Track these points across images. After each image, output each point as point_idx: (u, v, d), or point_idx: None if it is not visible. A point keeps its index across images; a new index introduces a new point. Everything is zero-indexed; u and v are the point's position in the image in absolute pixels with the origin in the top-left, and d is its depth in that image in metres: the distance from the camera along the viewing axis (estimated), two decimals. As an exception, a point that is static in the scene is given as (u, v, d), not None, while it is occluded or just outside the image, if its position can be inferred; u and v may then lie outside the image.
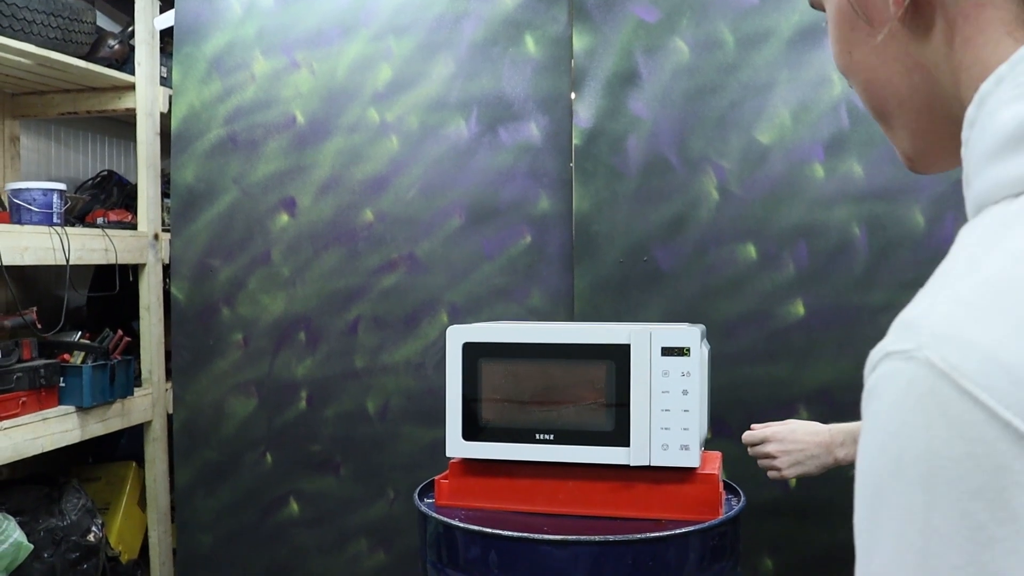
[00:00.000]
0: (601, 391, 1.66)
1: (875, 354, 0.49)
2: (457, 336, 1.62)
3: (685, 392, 1.43)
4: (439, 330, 2.40)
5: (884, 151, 2.20)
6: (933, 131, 0.60)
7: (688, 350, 1.44)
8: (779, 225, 2.24)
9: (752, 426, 1.61)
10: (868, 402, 0.48)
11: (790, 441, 1.47)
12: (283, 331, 2.48)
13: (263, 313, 2.49)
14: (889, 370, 0.47)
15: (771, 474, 1.53)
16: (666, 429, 1.42)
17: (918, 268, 2.18)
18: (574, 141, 2.34)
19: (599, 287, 2.32)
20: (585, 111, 2.33)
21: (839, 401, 2.19)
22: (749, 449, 1.57)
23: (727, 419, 2.13)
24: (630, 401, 1.47)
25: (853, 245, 2.21)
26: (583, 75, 2.33)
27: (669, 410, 1.42)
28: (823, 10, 0.65)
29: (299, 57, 2.47)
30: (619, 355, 1.52)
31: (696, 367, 1.44)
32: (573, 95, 2.34)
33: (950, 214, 2.17)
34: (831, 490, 2.20)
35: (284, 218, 2.48)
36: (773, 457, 1.49)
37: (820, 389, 2.19)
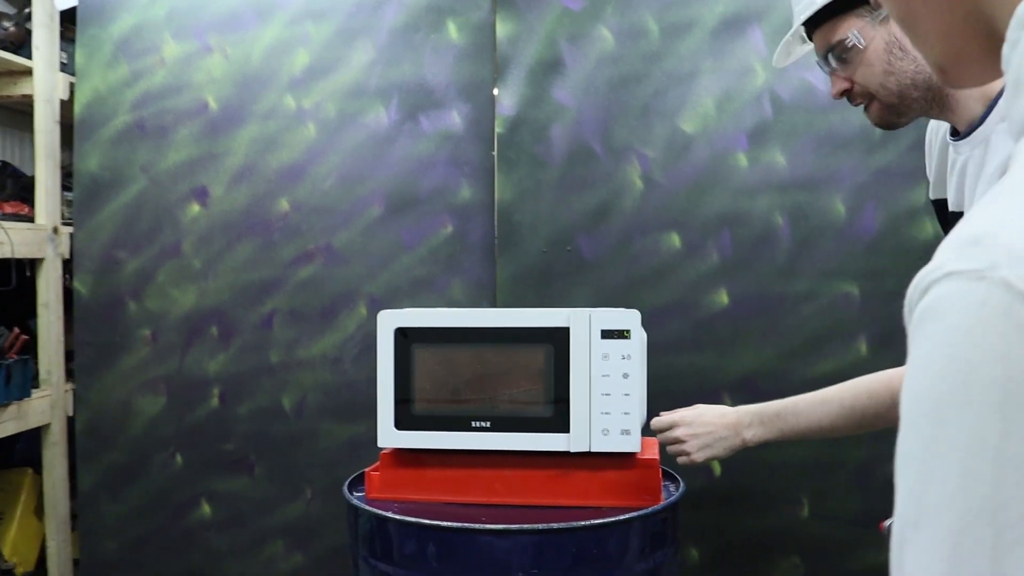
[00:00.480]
0: (539, 376, 1.61)
1: (930, 274, 0.45)
2: (389, 321, 1.54)
3: (626, 375, 1.39)
4: (357, 323, 2.33)
5: (806, 141, 2.20)
6: (964, 32, 0.56)
7: (628, 332, 1.40)
8: (703, 214, 2.22)
9: (660, 413, 1.58)
10: (923, 323, 0.44)
11: (698, 424, 1.45)
12: (194, 325, 2.37)
13: (173, 307, 2.38)
14: (953, 290, 0.43)
15: (681, 459, 1.51)
16: (606, 414, 1.38)
17: (840, 257, 2.19)
18: (497, 129, 2.30)
19: (522, 277, 2.28)
20: (508, 99, 2.29)
21: (763, 389, 2.17)
22: (659, 435, 1.54)
23: (653, 409, 2.09)
24: (569, 386, 1.42)
25: (776, 234, 2.21)
26: (506, 63, 2.29)
27: (609, 394, 1.38)
28: None
29: (212, 41, 2.38)
30: (558, 339, 1.47)
31: (636, 350, 1.40)
32: (496, 83, 2.30)
33: (870, 203, 2.19)
34: (754, 478, 2.19)
35: (195, 208, 2.38)
36: (682, 441, 1.47)
37: (744, 377, 2.18)
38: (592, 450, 1.40)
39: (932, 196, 1.55)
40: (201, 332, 2.37)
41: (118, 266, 2.40)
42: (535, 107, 2.28)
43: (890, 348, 2.16)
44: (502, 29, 2.29)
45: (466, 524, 1.31)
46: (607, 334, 1.40)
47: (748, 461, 2.16)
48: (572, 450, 1.41)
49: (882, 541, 2.07)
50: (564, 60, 2.27)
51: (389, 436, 1.53)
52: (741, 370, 2.19)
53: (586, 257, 2.26)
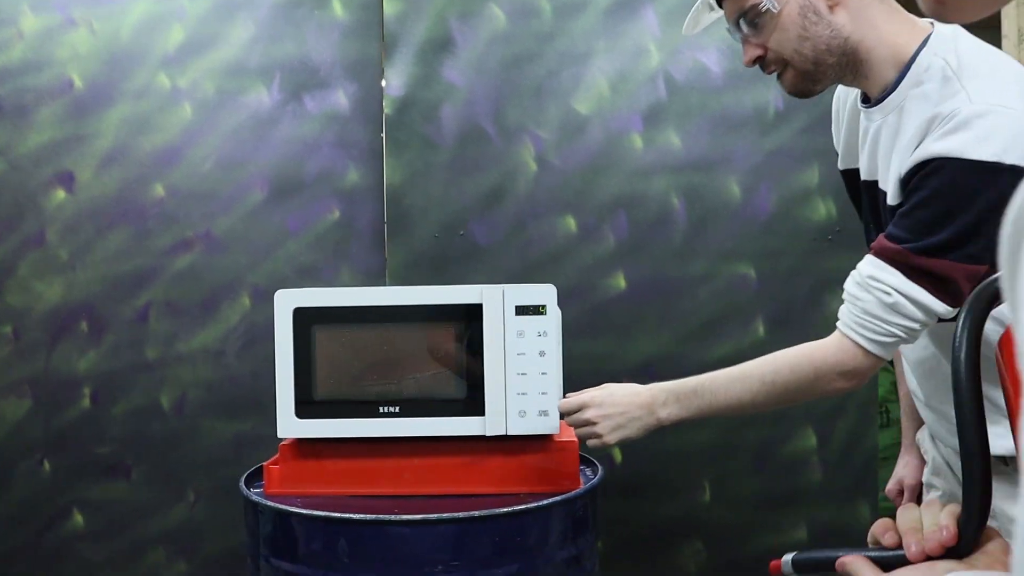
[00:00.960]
0: (451, 356, 1.52)
1: None
2: (286, 301, 1.42)
3: (542, 353, 1.31)
4: (240, 314, 2.20)
5: (701, 122, 2.18)
6: None
7: (544, 308, 1.33)
8: (598, 197, 2.18)
9: (567, 395, 1.51)
10: None
11: (609, 405, 1.37)
12: (61, 321, 2.20)
13: (37, 302, 2.20)
14: None
15: (591, 442, 1.43)
16: (523, 395, 1.30)
17: (735, 239, 2.17)
18: (385, 110, 2.20)
19: (413, 263, 2.19)
20: (396, 78, 2.20)
21: (661, 373, 2.13)
22: (567, 419, 1.46)
23: (549, 397, 2.04)
24: (483, 365, 1.33)
25: (672, 216, 2.18)
26: (394, 41, 2.19)
27: (526, 374, 1.30)
28: None
29: (76, 14, 2.21)
30: (470, 316, 1.39)
31: (553, 326, 1.32)
32: (384, 62, 2.20)
33: (764, 184, 2.18)
34: (655, 465, 2.16)
35: (60, 194, 2.21)
36: (593, 424, 1.39)
37: (643, 363, 2.15)
38: (509, 433, 1.31)
39: (841, 166, 1.53)
40: (69, 328, 2.20)
41: (-26, 258, 2.21)
42: (425, 87, 2.19)
43: (786, 329, 2.16)
44: (389, 6, 2.19)
45: (380, 516, 1.22)
46: (522, 310, 1.32)
47: (649, 449, 2.13)
48: (488, 434, 1.32)
49: (778, 523, 2.05)
50: (454, 38, 2.19)
51: (289, 426, 1.42)
52: (639, 355, 2.15)
53: (479, 242, 2.19)
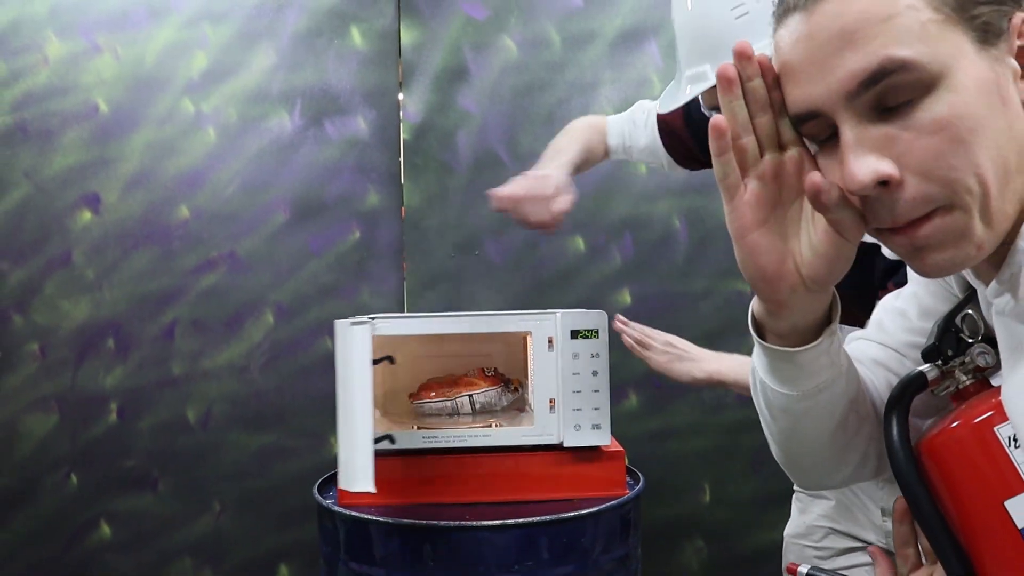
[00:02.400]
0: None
1: None
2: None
3: (595, 373, 1.44)
4: (264, 331, 2.29)
5: (698, 148, 2.33)
6: None
7: (597, 332, 1.46)
8: (607, 218, 2.32)
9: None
10: None
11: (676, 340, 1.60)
12: (88, 339, 2.27)
13: (63, 320, 2.27)
14: None
15: (641, 351, 1.60)
16: (577, 410, 1.42)
17: (732, 257, 2.32)
18: (403, 136, 2.32)
19: (430, 282, 2.31)
20: (414, 106, 2.31)
21: (665, 385, 2.29)
22: (630, 328, 1.62)
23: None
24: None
25: (674, 236, 2.33)
26: (411, 70, 2.31)
27: (580, 391, 1.43)
28: (885, 102, 0.63)
29: (100, 40, 2.28)
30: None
31: (604, 348, 1.46)
32: (401, 89, 2.32)
33: (757, 207, 2.33)
34: (659, 469, 2.31)
35: (87, 215, 2.28)
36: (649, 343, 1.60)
37: (648, 373, 2.28)
38: (564, 444, 1.44)
39: None
40: (96, 345, 2.27)
41: (0, 278, 2.26)
42: (441, 114, 2.31)
43: (779, 341, 2.32)
44: (406, 36, 2.31)
45: (465, 523, 1.31)
46: (576, 334, 1.45)
47: (654, 453, 2.28)
48: (543, 443, 1.44)
49: (773, 521, 2.20)
50: (469, 68, 2.32)
51: None
52: (644, 367, 2.29)
53: (494, 261, 2.31)
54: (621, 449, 1.49)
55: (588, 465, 1.45)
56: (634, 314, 2.30)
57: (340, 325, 1.22)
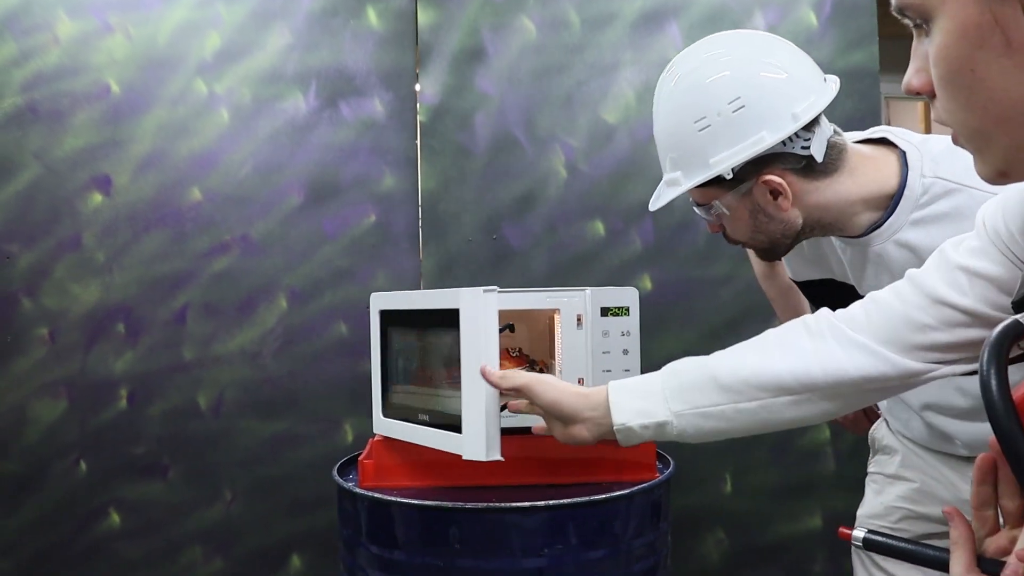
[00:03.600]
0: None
1: None
2: (376, 304, 1.49)
3: (626, 352, 1.40)
4: (277, 316, 2.25)
5: (720, 131, 2.29)
6: None
7: (628, 310, 1.41)
8: (625, 202, 2.28)
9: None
10: None
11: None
12: (98, 323, 2.23)
13: (73, 304, 2.23)
14: None
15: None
16: None
17: (754, 242, 2.28)
18: (419, 118, 2.28)
19: (447, 266, 2.26)
20: (431, 87, 2.27)
21: (688, 372, 2.25)
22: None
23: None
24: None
25: (695, 220, 2.28)
26: (428, 51, 2.27)
27: (610, 370, 1.38)
28: (914, 21, 0.63)
29: (112, 20, 2.24)
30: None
31: (635, 327, 1.41)
32: (418, 70, 2.28)
33: (780, 191, 2.29)
34: (680, 460, 2.26)
35: (97, 198, 2.24)
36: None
37: (668, 358, 2.23)
38: None
39: (797, 279, 1.52)
40: (106, 329, 2.23)
41: (9, 261, 2.22)
42: (458, 96, 2.27)
43: (801, 328, 2.28)
44: (423, 16, 2.27)
45: (493, 504, 1.27)
46: (607, 312, 1.40)
47: (674, 444, 2.23)
48: None
49: (795, 512, 2.16)
50: (486, 49, 2.27)
51: (380, 423, 1.48)
52: (664, 351, 2.23)
53: (512, 245, 2.27)
54: (651, 430, 1.44)
55: (618, 448, 1.40)
56: (655, 299, 2.27)
57: (470, 293, 1.20)
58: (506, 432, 1.39)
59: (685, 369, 1.12)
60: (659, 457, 1.51)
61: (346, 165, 2.27)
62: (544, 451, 1.40)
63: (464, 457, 1.18)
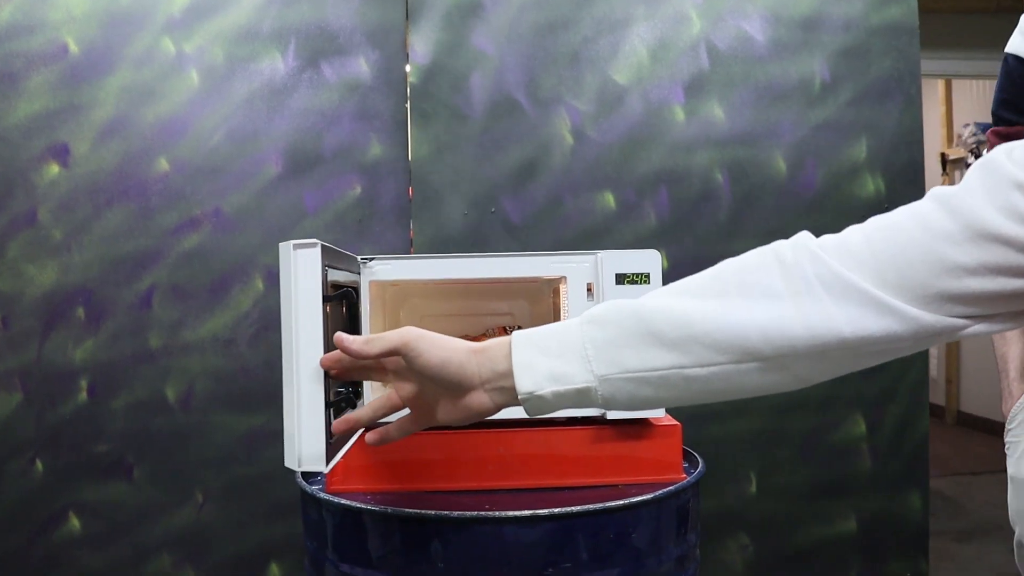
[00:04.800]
0: None
1: None
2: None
3: None
4: (253, 299, 2.04)
5: (745, 93, 2.07)
6: None
7: (648, 277, 1.18)
8: (638, 171, 2.05)
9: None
10: None
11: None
12: (55, 307, 2.02)
13: (28, 286, 2.01)
14: None
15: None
16: None
17: (781, 215, 2.06)
18: (409, 79, 2.06)
19: (441, 243, 2.04)
20: (422, 45, 2.05)
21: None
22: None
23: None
24: None
25: (716, 192, 2.06)
26: (419, 5, 2.05)
27: None
28: None
29: (69, -27, 2.02)
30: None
31: None
32: (407, 27, 2.05)
33: (810, 160, 2.07)
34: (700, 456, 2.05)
35: (54, 169, 2.02)
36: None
37: (688, 347, 2.02)
38: (609, 417, 1.17)
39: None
40: (64, 315, 2.02)
41: (-43, 239, 2.01)
42: (452, 54, 2.05)
43: (834, 311, 2.05)
44: (413, -33, 2.05)
45: (483, 513, 1.04)
46: (623, 279, 1.18)
47: (692, 439, 2.02)
48: (580, 416, 1.17)
49: (827, 514, 1.92)
50: (483, 2, 2.05)
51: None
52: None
53: (512, 219, 2.05)
54: (676, 423, 1.22)
55: (636, 443, 1.18)
56: (671, 280, 2.04)
57: (283, 249, 0.89)
58: (502, 424, 1.18)
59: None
60: (685, 454, 1.28)
61: (328, 132, 2.05)
62: (548, 447, 1.18)
63: (286, 464, 0.89)
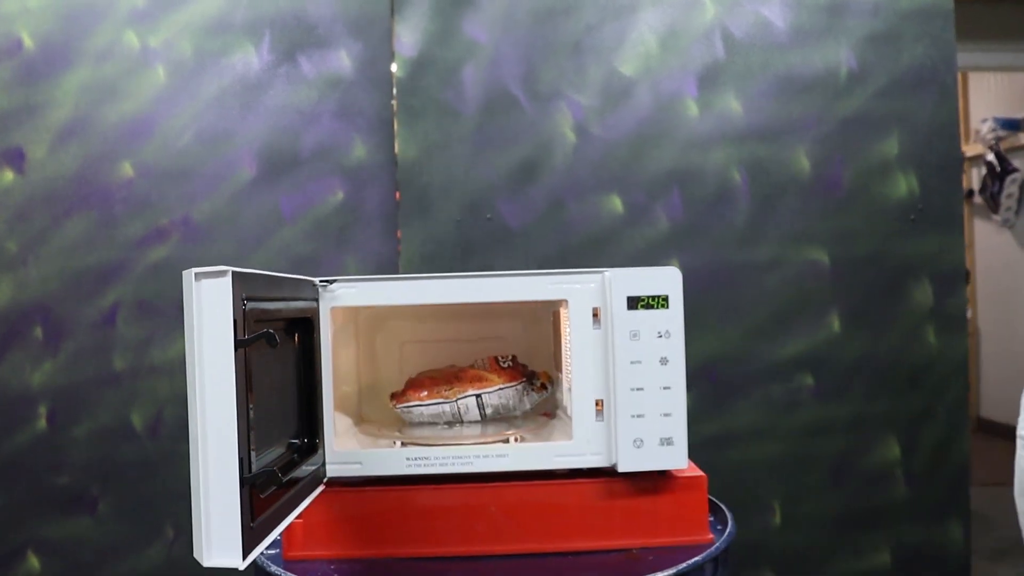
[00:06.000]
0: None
1: None
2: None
3: (664, 361, 0.99)
4: (228, 316, 1.85)
5: (764, 84, 1.88)
6: None
7: (666, 300, 1.00)
8: (648, 171, 1.87)
9: None
10: None
11: None
12: (10, 326, 1.84)
13: (-19, 303, 1.84)
14: None
15: None
16: (639, 417, 0.97)
17: (805, 218, 1.88)
18: (396, 73, 1.88)
19: (431, 253, 1.87)
20: (409, 35, 1.87)
21: (725, 376, 1.85)
22: None
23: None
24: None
25: (733, 193, 1.88)
26: (405, -9, 1.87)
27: (642, 389, 0.97)
28: None
29: (23, -40, 1.85)
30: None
31: (678, 325, 1.00)
32: (393, 16, 1.88)
33: (837, 155, 1.89)
34: (717, 484, 1.87)
35: (8, 175, 1.85)
36: None
37: (704, 364, 1.84)
38: (621, 469, 0.98)
39: None
40: (20, 334, 1.85)
41: (-96, 253, 1.84)
42: (442, 45, 1.87)
43: (864, 323, 1.87)
44: (399, -50, 1.87)
45: None
46: (635, 303, 0.99)
47: (709, 464, 1.84)
48: (585, 467, 0.98)
49: (859, 547, 1.74)
50: (476, -12, 1.87)
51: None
52: (699, 355, 1.84)
53: (510, 225, 1.87)
54: (701, 474, 1.03)
55: (654, 499, 0.99)
56: (685, 290, 1.85)
57: (185, 280, 0.71)
58: (492, 476, 1.00)
59: None
60: (712, 508, 1.10)
61: (307, 131, 1.87)
62: (548, 503, 1.00)
63: (194, 555, 0.73)
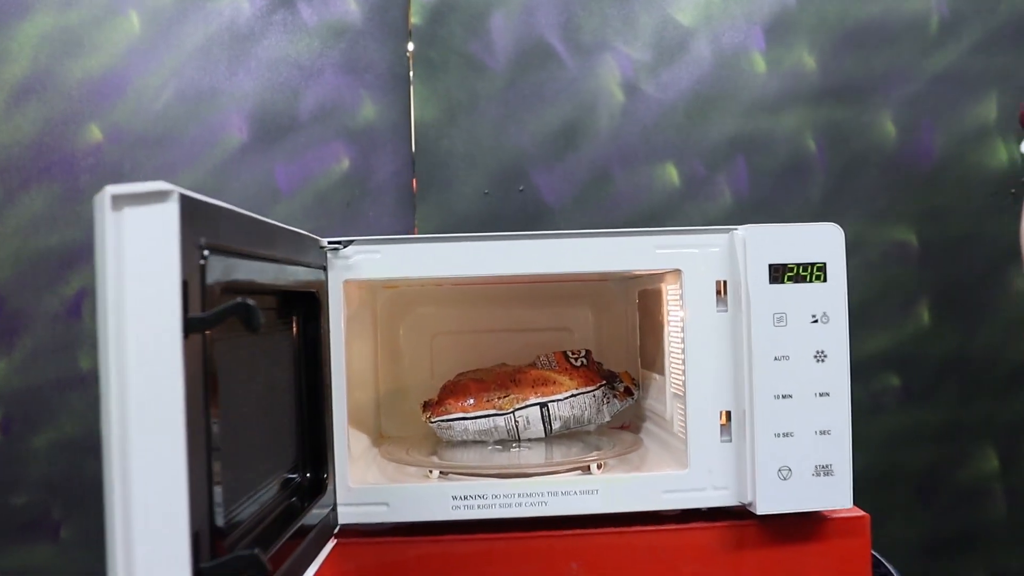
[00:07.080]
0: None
1: None
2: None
3: (822, 357, 0.72)
4: (215, 306, 1.58)
5: (842, 37, 1.62)
6: None
7: (823, 270, 0.74)
8: (709, 137, 1.61)
9: None
10: None
11: None
12: (-43, 318, 1.57)
13: (-78, 291, 1.57)
14: None
15: None
16: (786, 436, 0.71)
17: (890, 191, 1.62)
18: (412, 20, 1.61)
19: (453, 230, 1.60)
20: (427, -23, 1.60)
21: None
22: None
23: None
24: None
25: (806, 163, 1.61)
26: (422, -75, 1.60)
27: (791, 396, 0.71)
28: None
29: None
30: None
31: (840, 304, 0.73)
32: (408, -46, 1.61)
33: (926, 120, 1.63)
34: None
35: (-47, 139, 1.57)
36: None
37: (775, 364, 1.58)
38: (760, 510, 0.70)
39: None
40: (-32, 328, 1.57)
41: None
42: (466, -11, 1.60)
43: (957, 312, 1.62)
44: None
45: None
46: (780, 273, 0.73)
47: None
48: (706, 507, 0.71)
49: (952, 573, 1.51)
50: (506, -78, 1.60)
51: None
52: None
53: (545, 200, 1.60)
54: (863, 514, 0.77)
55: (803, 548, 0.73)
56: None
57: (97, 207, 0.42)
58: (575, 520, 0.72)
59: None
60: (875, 562, 0.83)
61: (307, 89, 1.60)
62: (652, 556, 0.73)
63: None
